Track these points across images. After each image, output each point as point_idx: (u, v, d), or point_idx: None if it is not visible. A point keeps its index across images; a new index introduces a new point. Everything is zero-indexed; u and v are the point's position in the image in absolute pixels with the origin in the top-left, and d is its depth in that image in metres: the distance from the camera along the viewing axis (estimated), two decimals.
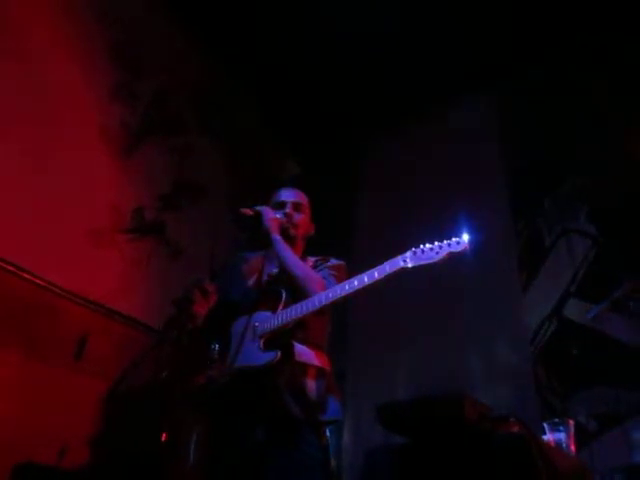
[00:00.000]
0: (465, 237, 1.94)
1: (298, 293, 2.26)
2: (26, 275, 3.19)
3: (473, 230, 1.98)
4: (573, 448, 2.21)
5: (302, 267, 2.34)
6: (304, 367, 2.18)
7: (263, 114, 4.95)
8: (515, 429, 1.96)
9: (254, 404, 2.12)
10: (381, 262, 2.06)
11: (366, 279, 2.07)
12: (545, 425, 2.27)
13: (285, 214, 2.51)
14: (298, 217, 2.54)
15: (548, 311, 3.64)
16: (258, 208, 2.50)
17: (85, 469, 3.04)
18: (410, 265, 1.99)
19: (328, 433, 2.35)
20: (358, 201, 4.66)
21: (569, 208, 3.77)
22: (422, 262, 1.98)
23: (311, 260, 2.52)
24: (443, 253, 1.96)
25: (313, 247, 2.69)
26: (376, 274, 2.05)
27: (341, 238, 4.25)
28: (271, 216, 2.46)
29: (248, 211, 2.49)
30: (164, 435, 2.21)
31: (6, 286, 3.11)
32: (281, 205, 2.55)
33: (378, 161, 4.79)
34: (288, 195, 2.61)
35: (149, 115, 4.14)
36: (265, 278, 2.47)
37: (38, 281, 3.24)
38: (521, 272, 3.80)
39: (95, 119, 3.83)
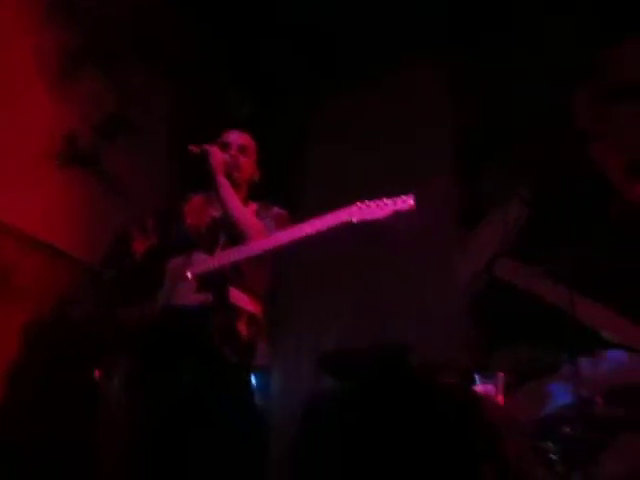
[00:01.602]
0: (411, 196, 1.96)
1: (237, 239, 2.26)
2: None
3: (418, 185, 2.01)
4: (501, 399, 2.34)
5: (243, 213, 2.34)
6: (237, 311, 2.20)
7: (213, 52, 4.75)
8: (452, 379, 2.04)
9: (184, 345, 2.12)
10: (326, 209, 2.07)
11: (308, 230, 2.09)
12: (477, 376, 2.39)
13: (230, 156, 2.47)
14: (243, 160, 2.51)
15: (481, 267, 3.78)
16: (206, 147, 2.44)
17: (10, 401, 2.95)
18: (355, 219, 2.01)
19: (255, 378, 2.39)
20: (308, 150, 4.61)
21: (511, 173, 3.88)
22: (367, 217, 2.01)
23: (254, 206, 2.51)
24: (388, 210, 1.99)
25: (260, 193, 2.67)
26: (319, 226, 2.07)
27: (290, 187, 4.21)
28: (218, 157, 2.41)
29: (195, 148, 2.44)
30: (97, 372, 2.17)
31: None
32: (226, 146, 2.51)
33: (330, 112, 4.74)
34: (234, 137, 2.57)
35: (88, 38, 3.87)
36: (206, 220, 2.44)
37: None
38: (459, 229, 3.91)
39: (28, 37, 3.55)
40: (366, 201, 2.01)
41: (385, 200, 1.99)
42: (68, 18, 3.77)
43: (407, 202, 1.95)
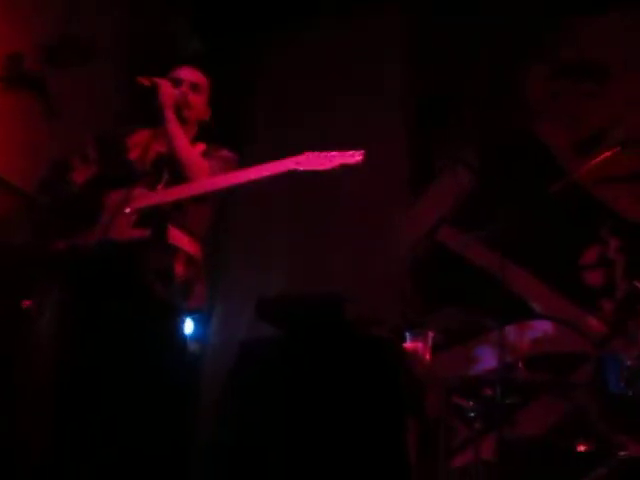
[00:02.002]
0: (361, 152, 1.97)
1: (181, 176, 2.22)
2: None
3: (367, 141, 2.02)
4: (428, 357, 2.44)
5: (189, 151, 2.29)
6: (175, 251, 2.18)
7: None
8: (384, 333, 2.10)
9: (116, 279, 2.09)
10: (275, 159, 2.06)
11: (253, 174, 2.08)
12: (407, 333, 2.46)
13: (181, 93, 2.39)
14: (194, 98, 2.44)
15: (424, 232, 3.86)
16: (156, 79, 2.35)
17: None
18: (301, 168, 2.01)
19: (191, 320, 2.39)
20: (259, 92, 4.51)
21: (461, 140, 3.92)
22: (313, 167, 2.01)
23: (202, 146, 2.45)
24: (336, 162, 1.99)
25: (209, 133, 2.60)
26: (265, 172, 2.06)
27: (239, 128, 4.13)
28: (168, 92, 2.33)
29: (145, 80, 2.34)
30: (26, 302, 2.11)
31: None
32: (177, 82, 2.43)
33: (282, 55, 4.62)
34: (187, 73, 2.49)
35: None
36: (151, 155, 2.37)
37: None
38: (407, 192, 3.95)
39: None
40: (315, 151, 2.00)
41: (334, 152, 1.99)
42: None
43: (355, 157, 1.95)
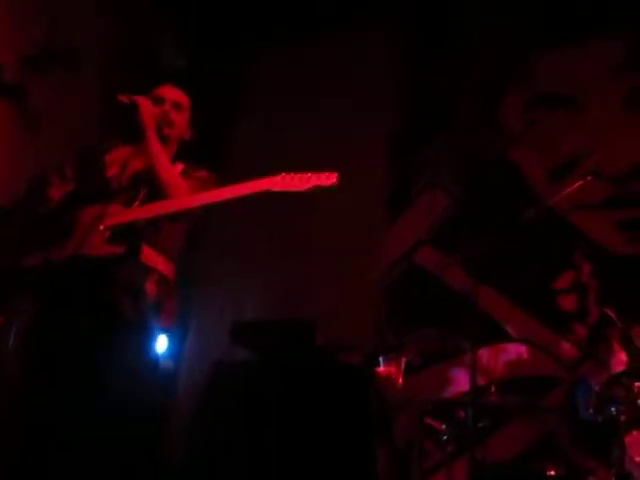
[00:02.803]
0: (335, 174, 1.99)
1: (159, 195, 2.21)
2: None
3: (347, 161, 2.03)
4: (401, 381, 2.44)
5: (169, 170, 2.28)
6: (147, 270, 2.16)
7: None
8: (355, 359, 2.10)
9: (87, 296, 2.07)
10: (253, 178, 2.06)
11: (228, 193, 2.09)
12: (380, 358, 2.47)
13: (162, 111, 2.39)
14: (176, 117, 2.44)
15: (401, 253, 3.88)
16: (136, 98, 2.35)
17: None
18: (276, 189, 2.02)
19: (165, 338, 2.36)
20: (241, 109, 4.52)
21: (440, 163, 3.97)
22: (289, 188, 2.02)
23: (180, 165, 2.45)
24: (310, 184, 2.01)
25: (189, 150, 2.60)
26: (239, 192, 2.07)
27: (220, 146, 4.13)
28: (149, 110, 2.33)
29: (124, 98, 2.34)
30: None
31: None
32: (160, 101, 2.43)
33: (266, 70, 4.65)
34: (169, 92, 2.49)
35: None
36: (129, 173, 2.36)
37: None
38: (386, 214, 3.98)
39: None
40: (291, 173, 2.02)
41: (310, 174, 2.00)
42: None
43: (330, 179, 1.97)
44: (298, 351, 2.08)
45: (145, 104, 2.32)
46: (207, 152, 2.89)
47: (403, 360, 2.49)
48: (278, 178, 2.03)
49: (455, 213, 3.80)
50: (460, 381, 3.27)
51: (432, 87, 4.06)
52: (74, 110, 3.80)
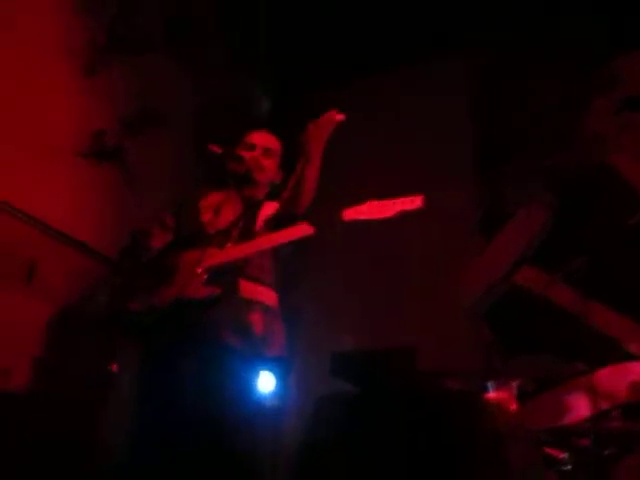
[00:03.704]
0: (420, 197, 1.97)
1: (250, 234, 2.30)
2: None
3: (431, 190, 2.01)
4: (514, 407, 2.31)
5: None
6: (249, 304, 2.22)
7: (236, 46, 4.78)
8: (460, 386, 2.02)
9: (192, 335, 2.14)
10: (340, 205, 2.08)
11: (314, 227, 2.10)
12: (489, 384, 2.36)
13: (253, 157, 2.49)
14: (266, 162, 2.52)
15: (501, 275, 3.74)
16: (225, 148, 2.46)
17: (30, 393, 3.02)
18: (363, 217, 2.03)
19: (272, 369, 2.37)
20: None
21: (531, 176, 3.83)
22: (375, 216, 2.03)
23: (275, 204, 2.51)
24: (396, 209, 2.00)
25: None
26: (326, 223, 2.08)
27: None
28: (237, 157, 2.43)
29: (215, 148, 2.45)
30: (114, 366, 2.20)
31: None
32: (251, 147, 2.53)
33: (342, 106, 4.73)
34: (260, 138, 2.59)
35: (115, 32, 3.92)
36: (222, 216, 2.46)
37: None
38: (480, 236, 3.87)
39: (57, 33, 3.61)
40: (376, 200, 2.03)
41: (394, 199, 2.00)
42: (94, 10, 3.82)
43: (415, 202, 1.97)
44: (399, 380, 2.03)
45: (233, 152, 2.42)
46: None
47: (514, 385, 2.36)
48: (364, 207, 2.05)
49: (554, 227, 3.63)
50: (579, 406, 3.04)
51: (512, 102, 3.96)
52: (168, 164, 4.03)
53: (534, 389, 3.21)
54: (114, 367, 2.10)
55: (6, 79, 3.27)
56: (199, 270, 2.21)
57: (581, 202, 3.55)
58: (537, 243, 3.67)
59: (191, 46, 4.48)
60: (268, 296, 2.28)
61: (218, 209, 2.49)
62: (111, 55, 3.87)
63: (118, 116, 3.91)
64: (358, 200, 2.05)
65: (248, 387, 2.14)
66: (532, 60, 3.95)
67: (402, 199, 2.00)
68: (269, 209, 2.48)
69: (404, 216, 1.99)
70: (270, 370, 2.49)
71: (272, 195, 2.66)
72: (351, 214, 2.04)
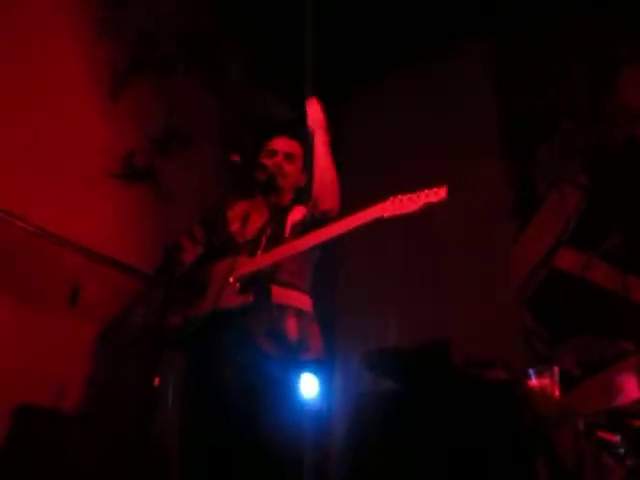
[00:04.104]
0: (444, 188, 1.94)
1: (279, 240, 2.31)
2: (18, 222, 3.17)
3: (462, 179, 1.98)
4: (557, 393, 2.27)
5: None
6: (282, 309, 2.22)
7: (253, 58, 4.84)
8: (500, 375, 2.00)
9: (229, 345, 2.17)
10: (367, 205, 2.07)
11: (344, 227, 2.10)
12: (530, 371, 2.32)
13: (275, 163, 2.49)
14: (288, 167, 2.53)
15: (539, 260, 3.67)
16: (247, 156, 2.48)
17: (82, 412, 3.13)
18: (386, 214, 2.01)
19: (312, 373, 2.37)
20: (346, 140, 4.62)
21: (562, 157, 3.75)
22: (399, 212, 2.01)
23: (302, 208, 2.52)
24: (420, 203, 1.98)
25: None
26: (354, 223, 2.08)
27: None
28: (260, 165, 2.45)
29: (236, 157, 2.47)
30: (156, 379, 2.25)
31: None
32: (273, 153, 2.54)
33: (367, 104, 4.73)
34: (281, 144, 2.59)
35: (137, 55, 4.02)
36: (250, 226, 2.49)
37: (29, 227, 3.22)
38: (514, 220, 3.81)
39: (82, 61, 3.73)
40: (399, 195, 2.01)
41: (418, 193, 1.98)
42: (118, 35, 3.92)
43: (439, 194, 1.94)
44: (439, 374, 2.02)
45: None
46: None
47: (556, 371, 2.32)
48: (387, 203, 2.03)
49: (588, 207, 3.54)
50: (629, 387, 2.97)
51: (536, 83, 3.89)
52: (199, 179, 4.11)
53: (581, 373, 3.14)
54: (156, 381, 2.14)
55: (38, 111, 3.40)
56: (231, 280, 2.24)
57: (613, 179, 3.45)
58: (572, 225, 3.59)
59: (212, 63, 4.56)
60: (301, 300, 2.28)
61: (246, 218, 2.52)
62: (136, 79, 3.97)
63: (147, 136, 4.00)
64: (387, 188, 2.02)
65: (290, 392, 2.15)
66: (556, 40, 3.87)
67: (426, 191, 1.97)
68: (297, 214, 2.48)
69: (435, 207, 1.96)
70: (312, 373, 2.48)
71: (299, 199, 2.67)
72: (374, 212, 2.03)
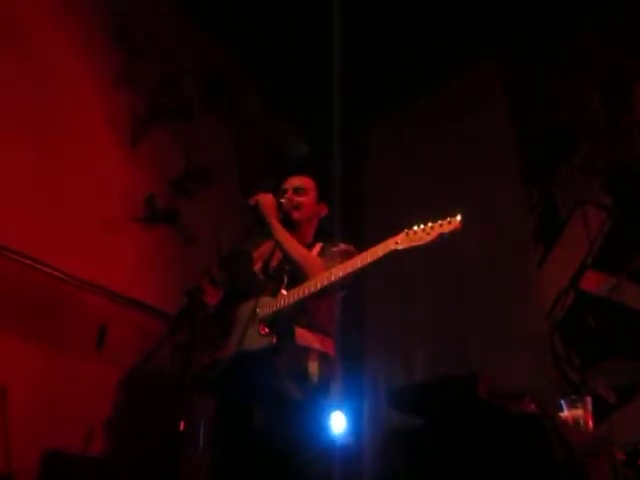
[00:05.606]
0: (457, 216, 1.93)
1: (297, 277, 2.28)
2: (44, 268, 3.22)
3: (482, 203, 1.96)
4: (591, 424, 2.20)
5: (299, 250, 2.36)
6: (305, 351, 2.22)
7: (268, 95, 4.91)
8: (530, 408, 1.95)
9: (254, 388, 2.17)
10: (389, 235, 2.07)
11: (359, 263, 2.10)
12: (562, 401, 2.26)
13: (286, 199, 2.52)
14: (299, 199, 2.54)
15: (565, 284, 3.60)
16: (258, 197, 2.50)
17: (109, 455, 3.13)
18: (401, 247, 2.00)
19: (341, 416, 2.34)
20: (367, 171, 4.65)
21: (583, 178, 3.71)
22: (413, 244, 2.00)
23: (318, 246, 2.53)
24: (434, 234, 1.97)
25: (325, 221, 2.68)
26: (368, 258, 2.09)
27: (353, 208, 4.22)
28: (268, 201, 2.47)
29: (251, 201, 2.51)
30: (182, 424, 2.24)
31: (24, 279, 3.14)
32: (284, 192, 2.57)
33: (387, 134, 4.76)
34: (290, 181, 2.63)
35: (155, 100, 4.11)
36: (272, 264, 2.49)
37: (56, 273, 3.27)
38: (537, 245, 3.76)
39: (100, 108, 3.82)
40: (413, 227, 2.00)
41: (431, 224, 1.97)
42: (136, 81, 4.02)
43: (453, 223, 1.93)
44: (466, 407, 1.98)
45: (262, 197, 2.47)
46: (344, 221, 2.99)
47: (589, 400, 2.25)
48: (401, 236, 2.03)
49: (612, 227, 3.47)
50: None
51: (552, 104, 3.87)
52: (218, 218, 4.14)
53: (617, 399, 3.05)
54: (182, 425, 2.14)
55: (59, 160, 3.48)
56: (254, 321, 2.24)
57: (636, 197, 3.40)
58: (597, 246, 3.52)
59: (229, 100, 4.64)
60: (323, 343, 2.26)
61: (269, 257, 2.54)
62: (153, 123, 4.06)
63: (167, 179, 4.07)
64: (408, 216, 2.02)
65: (314, 433, 2.13)
66: (572, 60, 3.86)
67: (440, 222, 1.97)
68: (315, 251, 2.49)
69: (456, 235, 1.94)
70: (340, 410, 2.46)
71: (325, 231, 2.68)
72: (388, 246, 2.02)
